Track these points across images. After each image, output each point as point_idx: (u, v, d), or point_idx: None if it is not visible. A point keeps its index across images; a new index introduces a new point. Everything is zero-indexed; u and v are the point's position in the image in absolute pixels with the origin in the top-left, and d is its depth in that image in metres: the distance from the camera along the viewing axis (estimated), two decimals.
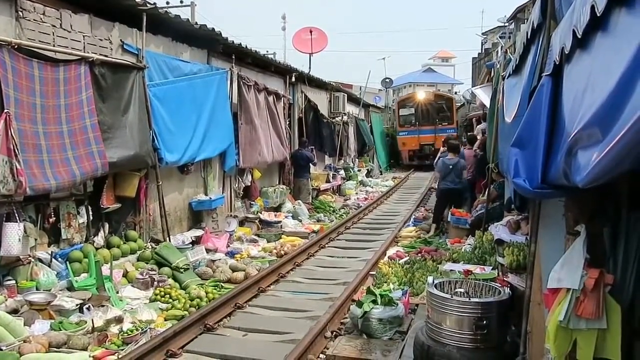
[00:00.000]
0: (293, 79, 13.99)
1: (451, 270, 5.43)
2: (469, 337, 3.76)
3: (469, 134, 14.27)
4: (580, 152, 1.72)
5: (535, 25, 3.07)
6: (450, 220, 9.29)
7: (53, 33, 6.07)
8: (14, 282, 5.49)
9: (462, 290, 3.88)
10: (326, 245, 9.71)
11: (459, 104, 28.51)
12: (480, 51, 28.38)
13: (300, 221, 11.57)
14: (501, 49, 8.78)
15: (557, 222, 3.11)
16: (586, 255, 2.53)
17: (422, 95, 27.34)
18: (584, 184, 1.61)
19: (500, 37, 16.80)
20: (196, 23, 8.72)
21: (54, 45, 6.03)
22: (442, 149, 12.63)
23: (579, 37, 1.92)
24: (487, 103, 9.19)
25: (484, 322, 3.71)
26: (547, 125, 2.52)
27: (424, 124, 26.30)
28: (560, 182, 2.26)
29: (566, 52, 2.21)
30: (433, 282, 4.11)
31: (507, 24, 17.83)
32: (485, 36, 28.96)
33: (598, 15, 1.66)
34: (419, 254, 7.83)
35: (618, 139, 1.28)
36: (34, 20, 5.83)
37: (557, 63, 2.41)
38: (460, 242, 8.18)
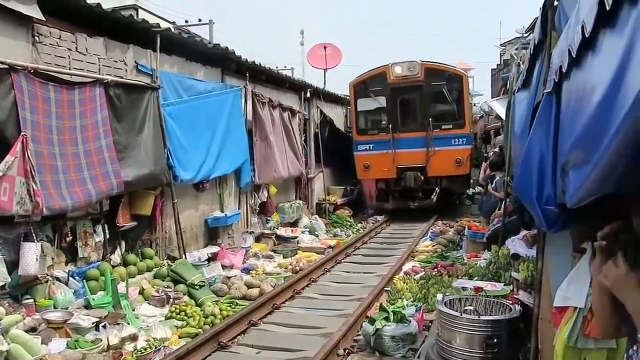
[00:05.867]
0: (308, 95, 14.06)
1: (463, 287, 5.36)
2: (479, 355, 3.72)
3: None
4: (571, 173, 1.71)
5: (537, 42, 3.07)
6: (467, 234, 9.20)
7: (69, 56, 6.21)
8: (32, 300, 5.56)
9: (471, 307, 3.83)
10: (342, 260, 9.68)
11: (478, 116, 21.76)
12: (499, 62, 27.98)
13: (317, 236, 11.57)
14: (516, 62, 8.71)
15: (565, 238, 3.07)
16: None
17: (399, 70, 13.73)
18: (571, 204, 1.60)
19: (518, 49, 16.64)
20: (210, 42, 8.85)
21: (69, 68, 6.16)
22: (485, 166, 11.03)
23: (574, 56, 1.92)
24: (503, 115, 9.12)
25: (494, 340, 3.66)
26: (553, 144, 2.49)
27: (406, 128, 13.89)
28: (560, 201, 2.24)
29: (564, 70, 2.20)
30: (443, 299, 4.07)
31: (525, 35, 17.68)
32: (503, 47, 28.56)
33: (587, 36, 1.66)
34: (435, 269, 7.76)
35: (599, 161, 1.28)
36: (50, 44, 5.97)
37: (557, 80, 2.40)
38: (477, 257, 8.09)
